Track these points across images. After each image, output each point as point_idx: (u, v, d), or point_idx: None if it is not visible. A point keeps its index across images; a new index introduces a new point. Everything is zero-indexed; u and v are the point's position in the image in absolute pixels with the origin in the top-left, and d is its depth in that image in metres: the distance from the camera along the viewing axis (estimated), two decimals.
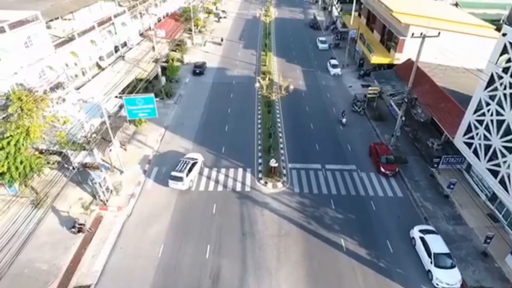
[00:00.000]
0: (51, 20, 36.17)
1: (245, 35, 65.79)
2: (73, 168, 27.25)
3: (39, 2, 35.48)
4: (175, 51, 53.65)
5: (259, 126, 36.29)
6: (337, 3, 74.54)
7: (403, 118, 31.72)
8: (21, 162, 23.54)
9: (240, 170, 30.05)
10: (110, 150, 28.95)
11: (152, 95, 26.84)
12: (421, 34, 26.63)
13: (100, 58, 40.34)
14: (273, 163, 27.96)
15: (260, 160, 30.99)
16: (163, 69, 44.83)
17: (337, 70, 49.01)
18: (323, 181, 28.82)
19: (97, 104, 25.39)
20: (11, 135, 22.91)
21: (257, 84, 30.19)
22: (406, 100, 30.30)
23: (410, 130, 34.74)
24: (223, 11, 77.53)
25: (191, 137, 34.62)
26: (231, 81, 46.97)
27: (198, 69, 48.68)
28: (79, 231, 24.13)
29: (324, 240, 23.48)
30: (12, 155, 23.12)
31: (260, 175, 29.20)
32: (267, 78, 31.32)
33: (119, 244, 23.62)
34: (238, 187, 28.20)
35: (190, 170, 27.82)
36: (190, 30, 58.90)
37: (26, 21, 28.46)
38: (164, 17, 59.82)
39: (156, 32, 45.82)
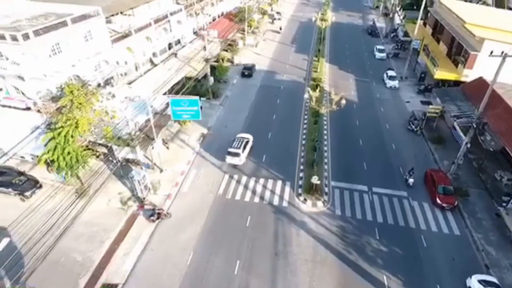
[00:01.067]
0: (112, 15, 37.49)
1: (298, 38, 63.98)
2: (117, 162, 27.74)
3: None
4: (226, 51, 53.51)
5: (304, 137, 34.53)
6: (400, 10, 69.79)
7: (468, 145, 28.10)
8: (68, 153, 24.26)
9: (279, 182, 28.63)
10: (153, 148, 29.09)
11: (198, 97, 26.41)
12: (502, 53, 23.13)
13: (154, 54, 41.15)
14: (315, 180, 26.14)
15: (301, 174, 29.31)
16: (212, 68, 44.72)
17: (394, 83, 45.47)
18: (368, 206, 26.43)
19: (144, 103, 25.45)
20: (62, 126, 23.66)
21: (306, 95, 28.52)
22: (474, 124, 26.77)
23: (475, 158, 30.82)
24: (278, 13, 76.33)
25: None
26: (279, 86, 45.63)
27: (247, 71, 47.97)
28: (158, 218, 24.71)
29: (363, 275, 21.26)
30: (61, 146, 23.89)
31: (300, 191, 27.55)
32: (317, 90, 29.36)
33: (150, 246, 23.45)
34: (276, 201, 26.83)
35: (244, 148, 30.14)
36: (243, 30, 58.50)
37: (87, 16, 29.52)
38: (219, 16, 60.08)
39: (208, 32, 45.83)
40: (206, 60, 40.93)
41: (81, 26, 28.75)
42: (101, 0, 35.51)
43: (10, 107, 27.78)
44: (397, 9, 70.79)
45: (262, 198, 27.13)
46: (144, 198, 26.68)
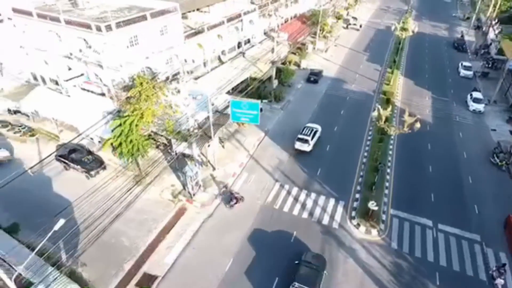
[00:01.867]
0: (189, 11, 38.74)
1: (372, 46, 60.20)
2: (175, 155, 28.50)
3: None
4: (295, 54, 52.38)
5: (366, 154, 32.03)
6: (496, 23, 61.71)
7: None
8: (131, 141, 25.39)
9: (332, 200, 26.83)
10: (209, 146, 29.29)
11: (258, 102, 25.83)
12: None
13: (223, 52, 41.72)
14: (372, 205, 23.86)
15: (357, 196, 27.13)
16: (278, 71, 43.98)
17: (480, 106, 40.10)
18: (431, 244, 23.40)
19: (205, 101, 25.60)
20: (128, 115, 24.81)
21: (375, 113, 26.15)
22: None
23: None
24: (354, 18, 72.80)
25: (289, 148, 32.72)
26: (345, 96, 43.22)
27: (313, 77, 46.31)
28: (236, 203, 25.74)
29: None
30: (125, 133, 25.09)
31: (353, 214, 25.47)
32: (388, 107, 26.74)
33: (193, 243, 23.53)
34: (325, 220, 25.14)
35: (313, 136, 32.14)
36: (315, 34, 56.75)
37: (166, 11, 30.69)
38: (291, 18, 59.10)
39: (279, 34, 45.13)
40: (273, 62, 40.29)
41: (159, 20, 30.01)
42: None
43: (88, 91, 30.08)
44: (493, 22, 62.70)
45: (311, 214, 25.65)
46: (194, 194, 26.97)
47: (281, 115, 38.82)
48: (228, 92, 35.97)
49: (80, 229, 22.05)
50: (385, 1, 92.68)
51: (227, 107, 30.82)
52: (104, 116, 29.15)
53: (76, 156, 29.74)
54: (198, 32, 35.62)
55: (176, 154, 28.22)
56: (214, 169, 29.78)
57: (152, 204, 26.34)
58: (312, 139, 31.85)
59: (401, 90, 45.23)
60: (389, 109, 26.34)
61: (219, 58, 41.60)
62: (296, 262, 20.91)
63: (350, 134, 35.07)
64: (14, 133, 34.46)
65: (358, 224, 24.50)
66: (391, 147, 33.08)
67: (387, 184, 28.40)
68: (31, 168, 24.60)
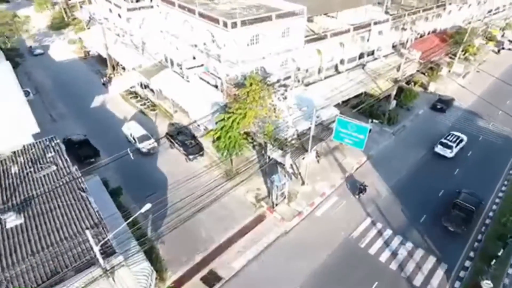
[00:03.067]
0: (315, 15, 37.41)
1: None
2: (268, 159, 28.00)
3: None
4: (424, 74, 46.10)
5: (491, 214, 25.82)
6: None
7: None
8: (229, 137, 25.76)
9: (432, 259, 22.36)
10: (303, 158, 27.83)
11: (368, 126, 23.02)
12: None
13: (341, 61, 39.19)
14: (487, 285, 18.80)
15: (467, 263, 21.97)
16: (399, 91, 39.24)
17: None
18: None
19: (310, 113, 24.08)
20: (233, 112, 25.14)
21: None
22: None
23: None
24: (511, 41, 60.20)
25: (391, 182, 28.76)
26: (476, 135, 35.89)
27: (441, 104, 39.88)
28: (360, 192, 26.91)
29: None
30: (226, 129, 25.56)
31: (457, 285, 20.65)
32: None
33: (262, 256, 22.70)
34: (418, 280, 21.08)
35: (458, 144, 32.08)
36: (454, 55, 48.76)
37: (292, 13, 29.98)
38: (428, 33, 52.04)
39: (410, 51, 40.01)
40: (396, 81, 35.97)
41: (283, 22, 29.51)
42: (312, 0, 35.67)
43: (204, 80, 31.87)
44: None
45: (401, 267, 21.86)
46: (276, 204, 26.04)
47: (391, 141, 34.54)
48: (337, 105, 33.66)
49: (167, 211, 23.53)
50: None
51: (332, 122, 28.66)
52: (212, 106, 30.63)
53: (181, 138, 32.04)
54: (319, 38, 34.03)
55: (269, 159, 27.65)
56: (303, 183, 28.23)
57: (235, 202, 26.43)
58: (456, 146, 31.75)
59: None
60: None
61: (336, 67, 39.24)
62: None
63: (475, 182, 28.73)
64: (140, 105, 39.46)
65: None
66: None
67: None
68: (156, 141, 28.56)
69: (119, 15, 43.20)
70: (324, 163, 31.01)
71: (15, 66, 44.00)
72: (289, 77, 31.61)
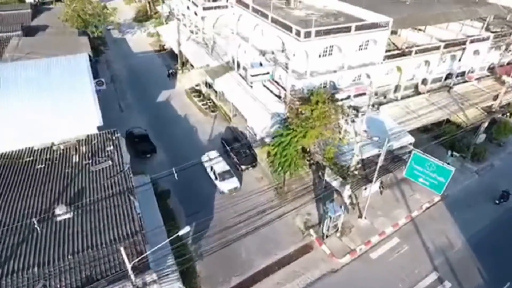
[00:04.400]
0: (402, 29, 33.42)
1: None
2: (324, 184, 25.53)
3: (402, 7, 33.04)
4: None
5: None
6: None
7: None
8: (285, 156, 23.80)
9: None
10: (365, 189, 24.75)
11: (452, 169, 19.13)
12: None
13: (423, 81, 34.62)
14: None
15: None
16: (492, 122, 33.41)
17: None
18: None
19: (382, 143, 20.99)
20: (293, 129, 23.13)
21: None
22: None
23: None
24: None
25: (469, 232, 24.27)
26: None
27: None
28: (503, 199, 26.32)
29: None
30: (283, 146, 23.65)
31: None
32: None
33: None
34: None
35: None
36: None
37: (374, 26, 26.80)
38: None
39: None
40: (490, 112, 30.53)
41: (363, 34, 26.50)
42: (396, 9, 31.88)
43: (268, 89, 30.27)
44: None
45: None
46: (327, 236, 23.48)
47: (473, 181, 29.41)
48: (412, 131, 29.56)
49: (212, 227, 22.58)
50: None
51: (407, 153, 25.03)
52: (272, 117, 28.94)
53: (236, 145, 30.91)
54: (402, 54, 30.17)
55: (325, 185, 25.15)
56: (360, 216, 25.17)
57: (281, 225, 24.35)
58: None
59: None
60: None
61: (416, 87, 34.79)
62: None
63: None
64: (202, 104, 39.40)
65: None
66: None
67: None
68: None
69: (195, 13, 43.80)
70: (387, 195, 27.42)
71: (98, 54, 47.34)
72: (360, 95, 28.54)
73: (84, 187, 19.80)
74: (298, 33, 24.43)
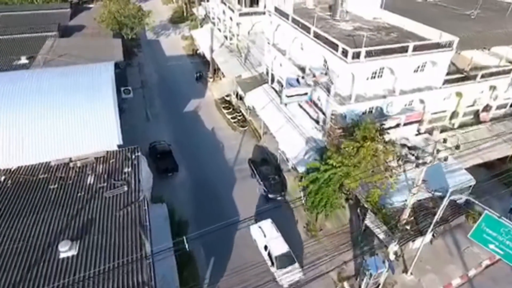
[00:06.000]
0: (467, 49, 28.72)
1: None
2: (364, 227, 21.97)
3: (468, 23, 28.43)
4: None
5: None
6: None
7: None
8: (322, 194, 20.52)
9: None
10: (413, 241, 20.88)
11: None
12: None
13: (487, 107, 29.81)
14: None
15: None
16: None
17: None
18: None
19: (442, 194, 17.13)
20: (332, 165, 19.78)
21: None
22: None
23: None
24: None
25: None
26: None
27: None
28: None
29: None
30: (319, 183, 20.38)
31: None
32: None
33: None
34: None
35: None
36: None
37: (435, 46, 22.74)
38: None
39: None
40: None
41: (421, 56, 22.55)
42: (461, 24, 27.48)
43: (304, 110, 27.06)
44: None
45: None
46: None
47: None
48: (469, 168, 25.13)
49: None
50: None
51: (470, 203, 20.86)
52: (307, 143, 25.76)
53: (265, 169, 28.07)
54: (466, 78, 25.77)
55: (365, 228, 21.61)
56: (405, 271, 21.38)
57: (313, 272, 21.16)
58: None
59: None
60: None
61: (476, 114, 30.04)
62: None
63: None
64: (231, 118, 36.76)
65: None
66: None
67: None
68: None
69: (231, 18, 41.45)
70: (439, 245, 23.30)
71: (131, 57, 46.26)
72: (411, 123, 24.61)
73: (93, 218, 17.84)
74: (345, 53, 21.01)
